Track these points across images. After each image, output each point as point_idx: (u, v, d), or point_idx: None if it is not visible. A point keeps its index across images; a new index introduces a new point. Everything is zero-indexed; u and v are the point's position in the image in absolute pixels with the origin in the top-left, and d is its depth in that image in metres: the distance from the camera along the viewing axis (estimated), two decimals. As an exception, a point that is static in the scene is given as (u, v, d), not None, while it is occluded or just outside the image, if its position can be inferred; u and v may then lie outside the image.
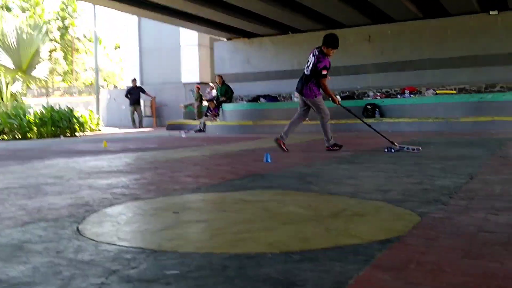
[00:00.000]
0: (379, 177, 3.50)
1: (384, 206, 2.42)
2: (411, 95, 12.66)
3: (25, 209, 2.51)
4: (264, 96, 14.90)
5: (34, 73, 17.40)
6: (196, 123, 13.82)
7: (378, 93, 13.79)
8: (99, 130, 15.56)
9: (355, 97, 14.27)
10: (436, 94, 12.50)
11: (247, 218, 2.21)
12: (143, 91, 17.10)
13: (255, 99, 14.87)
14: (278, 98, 15.28)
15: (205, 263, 1.55)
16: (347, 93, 14.60)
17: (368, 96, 13.73)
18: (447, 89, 13.06)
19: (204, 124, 13.19)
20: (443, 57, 13.62)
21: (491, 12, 13.06)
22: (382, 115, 12.03)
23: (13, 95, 17.72)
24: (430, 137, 8.16)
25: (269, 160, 4.75)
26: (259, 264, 1.52)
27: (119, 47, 39.66)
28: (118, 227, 2.11)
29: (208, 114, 13.73)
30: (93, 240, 1.88)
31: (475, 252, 1.60)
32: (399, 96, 13.02)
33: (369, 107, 12.17)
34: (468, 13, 13.14)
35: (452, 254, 1.58)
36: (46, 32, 18.48)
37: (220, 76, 14.27)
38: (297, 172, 3.94)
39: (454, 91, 12.97)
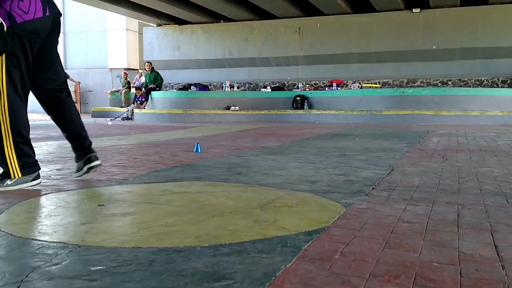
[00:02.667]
0: (307, 168, 3.58)
1: (311, 197, 2.49)
2: (338, 88, 13.09)
3: None
4: (195, 85, 14.77)
5: None
6: (123, 110, 13.44)
7: (307, 85, 14.11)
8: (18, 115, 14.69)
9: (285, 88, 14.52)
10: (361, 87, 13.01)
11: (175, 210, 2.18)
12: (67, 76, 16.36)
13: (186, 87, 14.70)
14: (209, 87, 15.21)
15: (132, 258, 1.51)
16: (277, 84, 14.81)
17: (298, 87, 14.02)
18: (371, 83, 13.62)
19: (132, 112, 12.86)
20: (369, 51, 14.17)
21: (414, 10, 13.75)
22: (310, 106, 12.34)
23: None
24: (355, 129, 8.49)
25: (199, 150, 4.72)
26: (188, 258, 1.51)
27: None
28: (38, 220, 2.01)
29: (135, 101, 13.39)
30: (12, 234, 1.77)
31: (395, 242, 1.68)
32: (327, 88, 13.41)
33: (298, 98, 12.43)
34: (393, 10, 13.75)
35: (374, 244, 1.65)
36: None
37: (150, 63, 13.94)
38: (227, 162, 3.95)
39: (378, 85, 13.57)
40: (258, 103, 12.84)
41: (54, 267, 1.42)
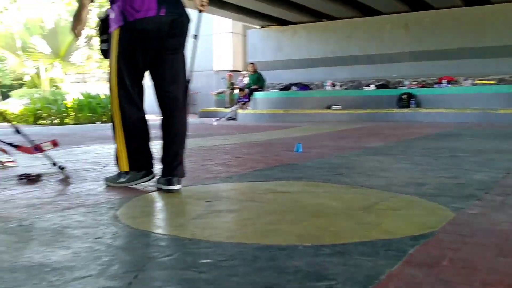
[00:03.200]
0: (413, 170, 3.45)
1: (418, 201, 2.40)
2: (449, 85, 12.37)
3: (65, 195, 2.60)
4: (296, 84, 14.82)
5: (72, 59, 17.83)
6: (228, 110, 13.90)
7: (414, 83, 13.52)
8: (134, 116, 15.81)
9: (390, 86, 14.04)
10: (475, 84, 12.17)
11: (277, 209, 2.23)
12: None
13: (287, 87, 14.81)
14: (310, 87, 15.18)
15: (237, 253, 1.58)
16: (382, 82, 14.37)
17: (404, 85, 13.49)
18: (486, 80, 12.69)
19: (235, 112, 13.26)
20: (483, 46, 13.22)
21: (535, -1, 12.58)
22: (418, 105, 11.81)
23: (51, 81, 18.24)
24: (468, 129, 7.98)
25: (300, 150, 4.75)
26: (290, 256, 1.54)
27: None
28: (153, 214, 2.17)
29: (239, 102, 13.79)
30: (130, 226, 1.93)
31: (510, 250, 1.57)
32: (435, 85, 12.73)
33: (404, 96, 11.96)
34: (510, 1, 12.69)
35: (486, 252, 1.56)
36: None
37: (253, 64, 14.27)
38: (328, 163, 3.93)
39: (494, 82, 12.59)
40: (361, 101, 12.57)
41: (167, 258, 1.54)
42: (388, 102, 12.19)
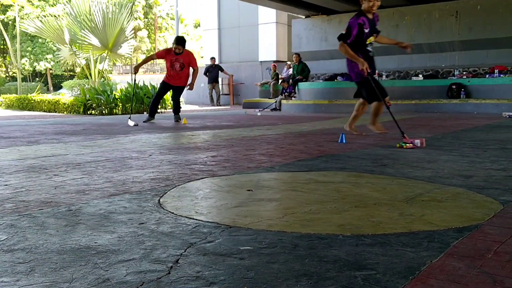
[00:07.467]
0: (460, 162, 3.35)
1: (464, 193, 2.34)
2: (501, 75, 11.86)
3: (111, 182, 2.69)
4: (341, 75, 14.61)
5: (120, 51, 18.27)
6: (272, 101, 13.89)
7: (464, 72, 13.05)
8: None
9: (439, 76, 13.61)
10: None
11: (318, 199, 2.22)
12: (221, 70, 17.41)
13: (332, 77, 14.62)
14: (356, 77, 14.90)
15: (277, 241, 1.59)
16: (430, 72, 13.95)
17: (454, 75, 13.04)
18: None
19: (280, 103, 13.24)
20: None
21: None
22: (468, 95, 11.41)
23: (100, 72, 18.79)
24: (520, 120, 7.64)
25: (344, 141, 4.70)
26: (330, 245, 1.54)
27: (199, 25, 40.52)
28: (195, 202, 2.21)
29: (283, 93, 13.76)
30: (173, 213, 1.98)
31: (562, 246, 1.51)
32: (487, 75, 12.24)
33: (454, 87, 11.58)
34: None
35: (535, 247, 1.50)
36: (131, 11, 19.22)
37: (297, 54, 14.18)
38: (372, 154, 3.87)
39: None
40: (408, 92, 12.24)
41: (208, 244, 1.57)
42: (437, 93, 11.82)
